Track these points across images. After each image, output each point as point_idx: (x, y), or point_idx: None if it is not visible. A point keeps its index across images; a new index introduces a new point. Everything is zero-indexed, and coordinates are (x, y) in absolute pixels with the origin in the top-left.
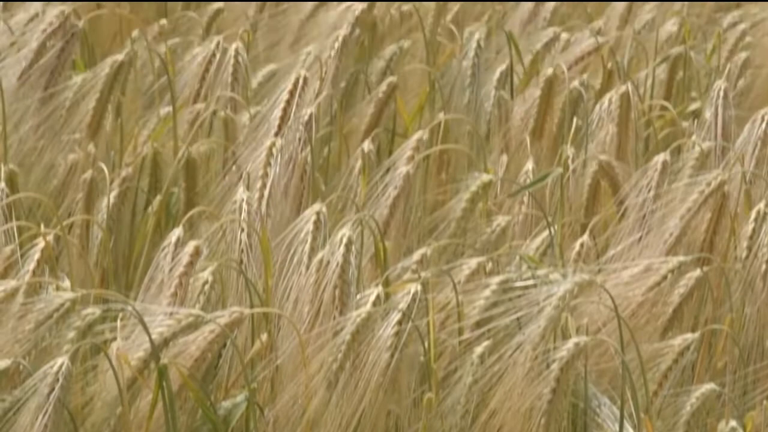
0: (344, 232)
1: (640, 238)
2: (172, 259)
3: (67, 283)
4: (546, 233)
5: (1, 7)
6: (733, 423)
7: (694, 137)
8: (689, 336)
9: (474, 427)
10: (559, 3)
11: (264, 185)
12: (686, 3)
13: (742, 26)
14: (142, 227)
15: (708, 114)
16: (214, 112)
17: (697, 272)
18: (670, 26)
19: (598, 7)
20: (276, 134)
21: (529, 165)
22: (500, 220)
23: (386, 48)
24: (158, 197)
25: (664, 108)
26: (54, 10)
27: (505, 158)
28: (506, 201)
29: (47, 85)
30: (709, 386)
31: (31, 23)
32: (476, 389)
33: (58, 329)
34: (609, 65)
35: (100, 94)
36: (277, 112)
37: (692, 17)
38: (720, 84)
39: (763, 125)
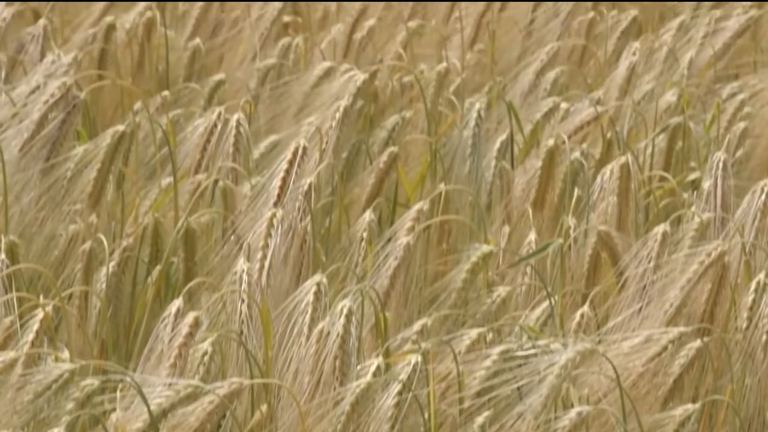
0: (345, 302)
1: (641, 308)
2: (172, 329)
3: (66, 354)
4: (547, 303)
5: (3, 79)
6: None
7: (693, 208)
8: (690, 407)
9: None
10: (558, 73)
11: (264, 256)
12: (685, 74)
13: (740, 96)
14: (142, 297)
15: (707, 184)
16: (215, 183)
17: (698, 343)
18: (670, 96)
19: (597, 78)
20: (275, 204)
21: (532, 236)
22: (501, 291)
23: (388, 118)
24: (158, 267)
25: (663, 178)
26: (56, 82)
27: (507, 229)
28: (508, 271)
29: (49, 156)
30: None
31: (32, 95)
32: None
33: (57, 400)
34: (609, 135)
35: (101, 164)
36: (277, 182)
37: (691, 87)
38: (719, 154)
39: (763, 196)
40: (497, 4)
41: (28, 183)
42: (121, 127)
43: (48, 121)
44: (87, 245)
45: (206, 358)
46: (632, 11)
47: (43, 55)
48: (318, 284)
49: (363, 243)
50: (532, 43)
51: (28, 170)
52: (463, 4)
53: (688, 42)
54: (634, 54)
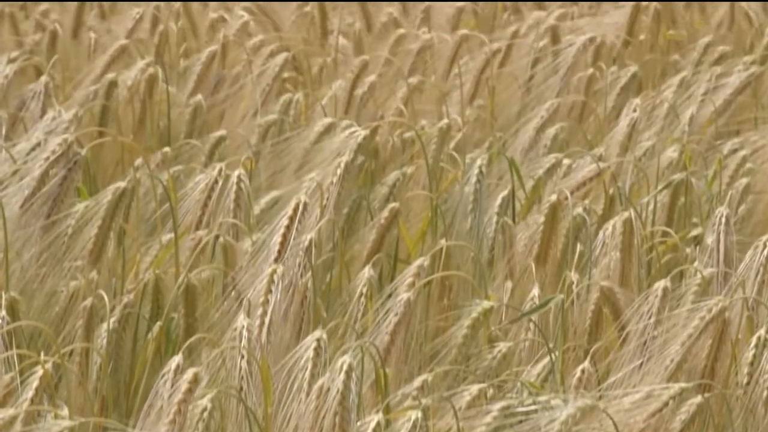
0: (345, 358)
1: (642, 364)
2: (172, 385)
3: (65, 411)
4: (548, 359)
5: (4, 136)
6: None
7: (696, 263)
8: None
9: None
10: (558, 129)
11: (265, 312)
12: (686, 131)
13: (742, 152)
14: (142, 354)
15: (710, 240)
16: (216, 239)
17: (699, 399)
18: (671, 153)
19: (597, 134)
20: (276, 260)
21: (535, 291)
22: (502, 346)
23: (389, 174)
24: (158, 323)
25: (666, 233)
26: (57, 139)
27: (509, 284)
28: (511, 327)
29: (50, 213)
30: None
31: (33, 152)
32: None
33: None
34: (611, 191)
35: (102, 221)
36: (277, 238)
37: (692, 144)
38: (721, 210)
39: (766, 251)
40: (497, 61)
41: (29, 240)
42: (122, 184)
43: (49, 178)
44: (88, 302)
45: (206, 414)
46: (632, 68)
47: (44, 112)
48: (318, 340)
49: (363, 299)
50: (531, 99)
51: (29, 227)
52: (462, 59)
53: (688, 98)
54: (634, 110)
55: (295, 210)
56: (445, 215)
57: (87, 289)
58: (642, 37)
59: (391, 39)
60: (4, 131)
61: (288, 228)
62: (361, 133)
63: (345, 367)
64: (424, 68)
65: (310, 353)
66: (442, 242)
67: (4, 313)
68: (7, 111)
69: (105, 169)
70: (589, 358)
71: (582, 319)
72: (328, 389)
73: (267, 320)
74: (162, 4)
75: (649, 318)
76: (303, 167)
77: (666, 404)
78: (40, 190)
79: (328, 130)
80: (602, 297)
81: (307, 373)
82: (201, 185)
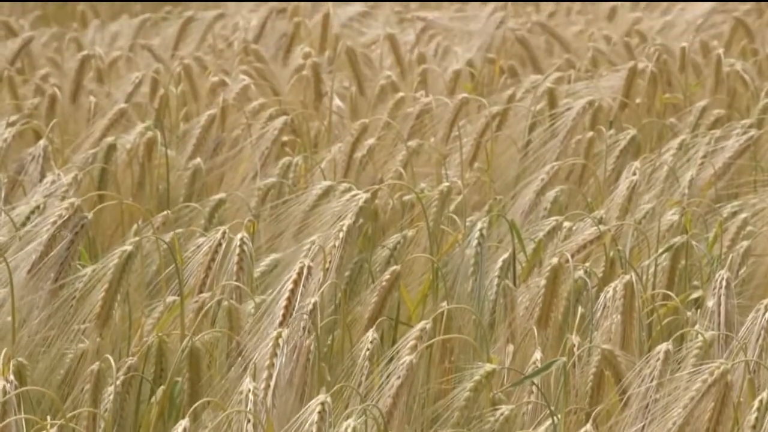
0: (349, 422)
1: (644, 427)
2: None
3: None
4: (550, 422)
5: (3, 200)
6: None
7: (697, 326)
8: None
9: None
10: (558, 192)
11: (270, 375)
12: (686, 194)
13: (742, 215)
14: (146, 417)
15: (711, 303)
16: (219, 302)
17: None
18: (671, 215)
19: (597, 197)
20: (281, 323)
21: (537, 354)
22: (504, 409)
23: (389, 236)
24: (161, 387)
25: (666, 296)
26: (63, 203)
27: (511, 347)
28: (513, 390)
29: (57, 277)
30: None
31: (32, 215)
32: None
33: None
34: (611, 254)
35: (109, 284)
36: (282, 302)
37: (692, 206)
38: (722, 273)
39: (766, 314)
40: (495, 124)
41: (36, 304)
42: (128, 247)
43: (56, 242)
44: (95, 366)
45: None
46: (630, 131)
47: (43, 176)
48: (322, 404)
49: (366, 362)
50: (531, 162)
51: (37, 291)
52: (461, 122)
53: (688, 161)
54: (634, 173)
55: (300, 274)
56: (446, 278)
57: (93, 353)
58: (638, 100)
59: (390, 102)
60: (3, 194)
61: (293, 291)
62: (362, 196)
63: (349, 431)
64: (422, 131)
65: (315, 417)
66: (444, 305)
67: (12, 377)
68: (6, 174)
69: (104, 231)
70: (591, 421)
71: (584, 382)
72: None
73: (272, 383)
74: (161, 67)
75: (651, 381)
76: (303, 231)
77: None
78: (47, 254)
79: (327, 193)
80: (603, 360)
81: None
82: (204, 248)
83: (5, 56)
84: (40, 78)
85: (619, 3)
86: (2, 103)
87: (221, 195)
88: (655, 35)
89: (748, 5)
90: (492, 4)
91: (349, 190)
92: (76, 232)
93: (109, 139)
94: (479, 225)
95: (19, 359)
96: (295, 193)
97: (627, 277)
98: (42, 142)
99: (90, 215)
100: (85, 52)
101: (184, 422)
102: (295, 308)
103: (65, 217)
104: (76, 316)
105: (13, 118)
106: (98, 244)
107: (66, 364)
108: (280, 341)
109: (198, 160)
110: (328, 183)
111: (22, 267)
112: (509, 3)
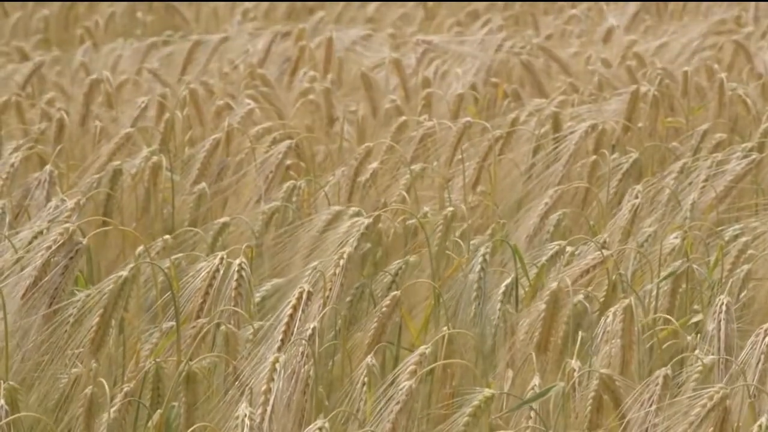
0: None
1: None
2: None
3: None
4: None
5: (8, 225)
6: None
7: (697, 351)
8: None
9: None
10: (561, 217)
11: (267, 400)
12: (687, 217)
13: (743, 239)
14: None
15: (711, 327)
16: (217, 326)
17: None
18: (673, 239)
19: (600, 220)
20: (279, 349)
21: (536, 380)
22: None
23: (392, 261)
24: (158, 411)
25: (666, 320)
26: (58, 228)
27: (510, 373)
28: (512, 415)
29: (51, 302)
30: None
31: (35, 240)
32: None
33: None
34: (613, 277)
35: (104, 310)
36: (281, 327)
37: (693, 230)
38: (723, 297)
39: (766, 339)
40: (498, 147)
41: (30, 329)
42: (123, 273)
43: (50, 267)
44: (88, 390)
45: None
46: (633, 154)
47: (48, 200)
48: (320, 429)
49: (364, 387)
50: (534, 185)
51: (31, 316)
52: (464, 146)
53: (689, 185)
54: (636, 197)
55: (299, 299)
56: (449, 303)
57: (87, 378)
58: (641, 124)
59: (393, 126)
60: (8, 220)
61: (291, 317)
62: (365, 221)
63: None
64: (426, 155)
65: None
66: (444, 330)
67: (3, 402)
68: (11, 200)
69: (107, 256)
70: None
71: (582, 407)
72: None
73: (269, 408)
74: (168, 92)
75: (650, 405)
76: (307, 256)
77: None
78: (41, 279)
79: (333, 218)
80: (602, 384)
81: None
82: (203, 273)
83: (16, 81)
84: (46, 103)
85: (615, 25)
86: (10, 129)
87: (225, 219)
88: (652, 58)
89: (747, 29)
90: (489, 26)
91: (358, 214)
92: (70, 257)
93: (115, 164)
94: (482, 250)
95: (11, 383)
96: (299, 219)
97: (626, 301)
98: (47, 167)
99: (85, 240)
100: (94, 76)
101: None
102: (294, 333)
103: (59, 243)
104: (71, 341)
105: (19, 142)
106: (102, 268)
107: (60, 389)
108: (278, 366)
109: (203, 184)
110: (337, 208)
111: (17, 292)
112: (507, 24)
